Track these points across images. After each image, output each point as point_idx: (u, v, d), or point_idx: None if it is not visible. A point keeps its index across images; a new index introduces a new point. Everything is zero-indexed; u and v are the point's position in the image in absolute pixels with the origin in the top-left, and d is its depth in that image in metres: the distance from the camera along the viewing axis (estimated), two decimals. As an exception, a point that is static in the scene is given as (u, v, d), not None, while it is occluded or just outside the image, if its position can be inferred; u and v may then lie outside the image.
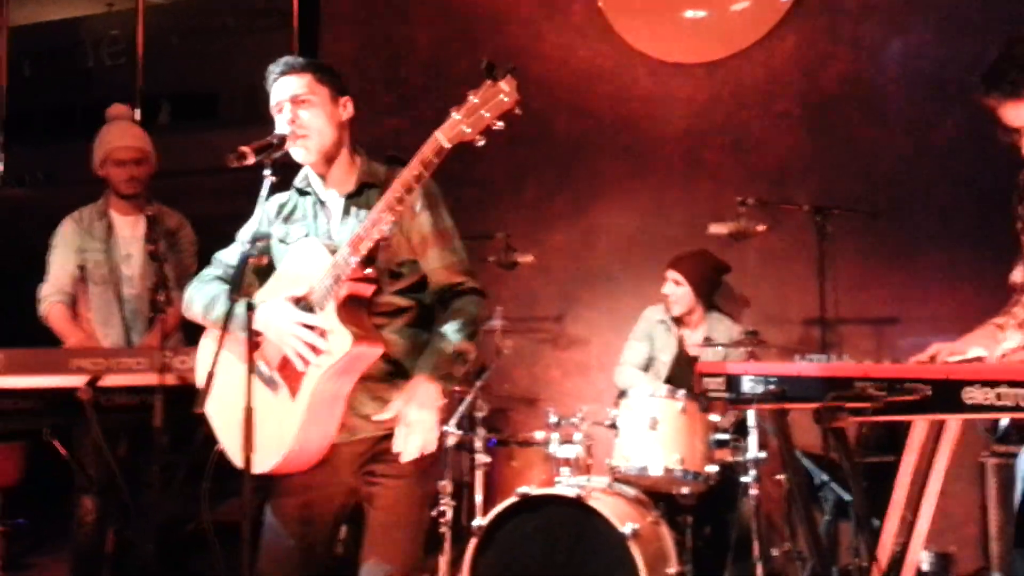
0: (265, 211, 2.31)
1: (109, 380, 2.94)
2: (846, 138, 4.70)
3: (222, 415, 2.29)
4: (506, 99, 1.99)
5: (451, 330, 2.30)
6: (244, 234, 2.47)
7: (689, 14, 4.97)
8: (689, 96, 4.95)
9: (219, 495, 4.02)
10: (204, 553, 2.91)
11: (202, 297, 2.43)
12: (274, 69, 2.36)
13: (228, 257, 2.49)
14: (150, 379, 2.89)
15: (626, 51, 5.03)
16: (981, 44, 4.45)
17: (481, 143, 2.04)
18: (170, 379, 2.78)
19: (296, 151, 2.33)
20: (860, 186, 4.58)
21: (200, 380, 2.46)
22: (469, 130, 2.02)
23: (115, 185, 3.80)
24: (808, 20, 4.77)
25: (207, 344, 2.48)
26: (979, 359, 2.33)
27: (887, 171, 4.61)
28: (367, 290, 2.25)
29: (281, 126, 2.32)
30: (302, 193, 2.45)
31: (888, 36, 4.67)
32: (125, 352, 3.04)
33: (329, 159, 2.38)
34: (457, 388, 4.29)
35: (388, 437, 2.28)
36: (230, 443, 2.32)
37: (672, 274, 4.26)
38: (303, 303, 2.25)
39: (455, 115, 2.03)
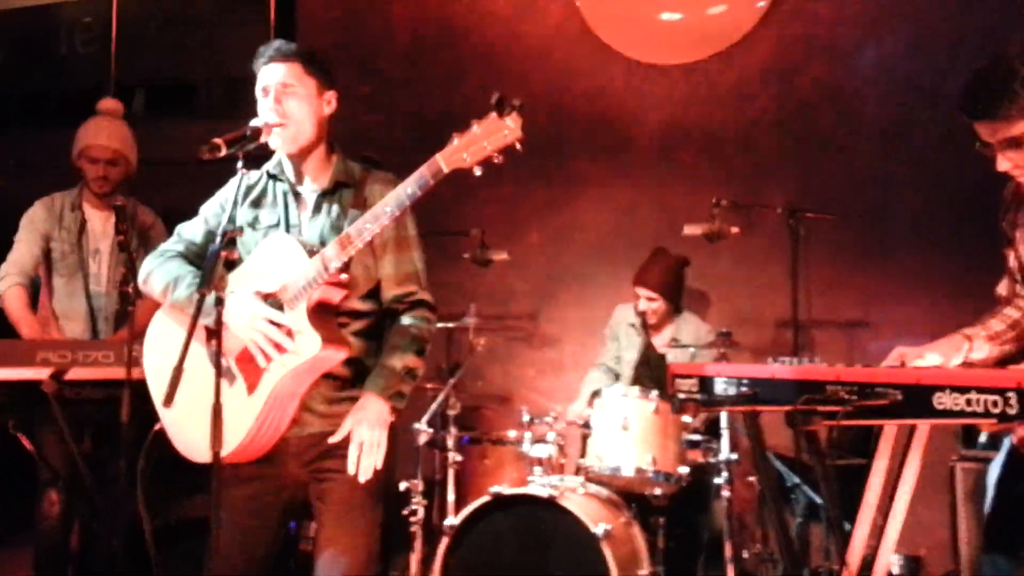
0: (233, 192, 2.29)
1: (76, 373, 2.90)
2: (820, 142, 4.74)
3: (176, 404, 2.25)
4: (509, 135, 2.03)
5: (400, 346, 2.33)
6: (207, 209, 2.48)
7: (666, 16, 4.98)
8: (665, 97, 4.97)
9: (181, 491, 3.99)
10: (170, 548, 2.89)
11: (163, 274, 2.40)
12: (264, 51, 2.36)
13: (190, 232, 2.48)
14: (117, 373, 2.84)
15: (603, 51, 5.04)
16: (953, 52, 4.51)
17: (478, 172, 2.06)
18: (137, 373, 2.73)
19: (274, 139, 2.33)
20: (834, 189, 4.62)
21: (150, 366, 2.45)
22: (468, 159, 2.05)
23: (87, 181, 3.75)
24: (784, 26, 4.81)
25: (157, 330, 2.46)
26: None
27: (861, 175, 4.65)
28: (338, 295, 2.26)
29: (263, 112, 2.32)
30: (273, 178, 2.44)
31: (862, 43, 4.72)
32: (92, 345, 2.99)
33: (306, 151, 2.38)
34: (430, 385, 4.29)
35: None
36: (183, 433, 2.32)
37: (644, 291, 4.26)
38: (271, 300, 2.24)
39: (457, 141, 2.06)
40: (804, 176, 4.71)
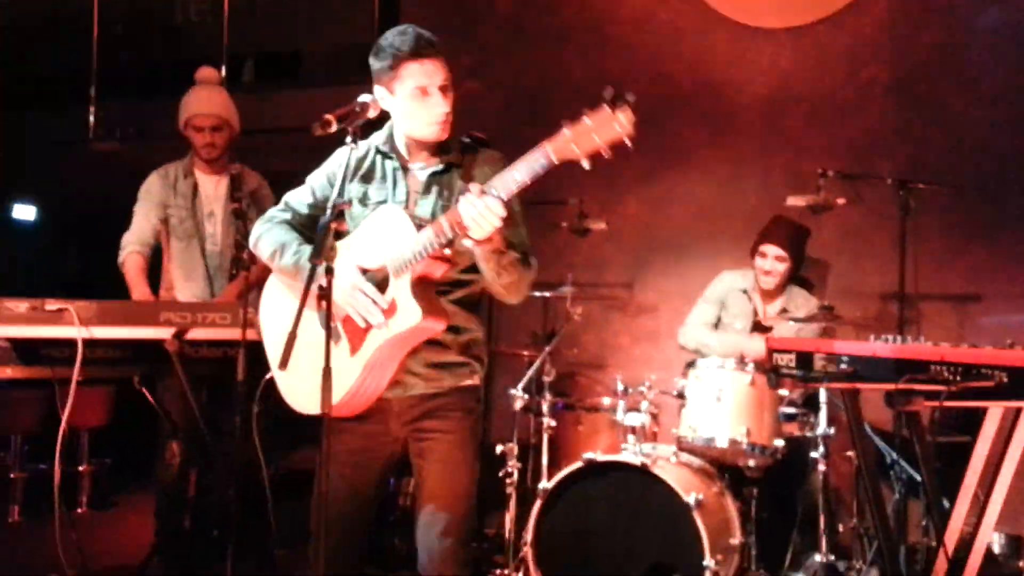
0: (340, 164, 2.36)
1: (195, 333, 3.07)
2: (934, 110, 4.55)
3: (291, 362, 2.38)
4: (620, 131, 2.00)
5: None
6: (314, 179, 2.55)
7: (775, -23, 4.84)
8: (771, 62, 4.85)
9: (288, 445, 4.18)
10: (277, 497, 3.05)
11: (271, 240, 2.51)
12: (415, 44, 2.33)
13: (297, 201, 2.56)
14: (234, 333, 3.01)
15: (708, 14, 4.94)
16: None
17: (586, 166, 2.04)
18: (252, 334, 2.88)
19: (433, 137, 2.39)
20: (947, 159, 4.45)
21: (265, 328, 2.57)
22: (578, 151, 2.04)
23: (195, 148, 3.94)
24: (900, -14, 4.61)
25: (270, 295, 2.58)
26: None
27: (977, 144, 4.46)
28: (440, 270, 2.33)
29: (415, 109, 2.36)
30: (383, 155, 2.49)
31: (982, 4, 4.49)
32: (210, 307, 3.16)
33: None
34: (526, 352, 4.36)
35: (438, 396, 2.43)
36: (292, 387, 2.45)
37: (773, 249, 4.12)
38: (372, 274, 2.34)
39: (567, 131, 2.04)
40: (916, 146, 4.54)
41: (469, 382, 2.49)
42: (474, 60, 5.25)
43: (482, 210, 2.11)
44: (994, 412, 2.47)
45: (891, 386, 2.15)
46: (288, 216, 2.56)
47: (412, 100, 2.37)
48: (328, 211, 2.17)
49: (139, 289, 3.81)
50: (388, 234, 2.33)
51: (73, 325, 2.85)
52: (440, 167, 2.45)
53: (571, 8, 5.24)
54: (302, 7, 6.13)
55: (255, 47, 6.29)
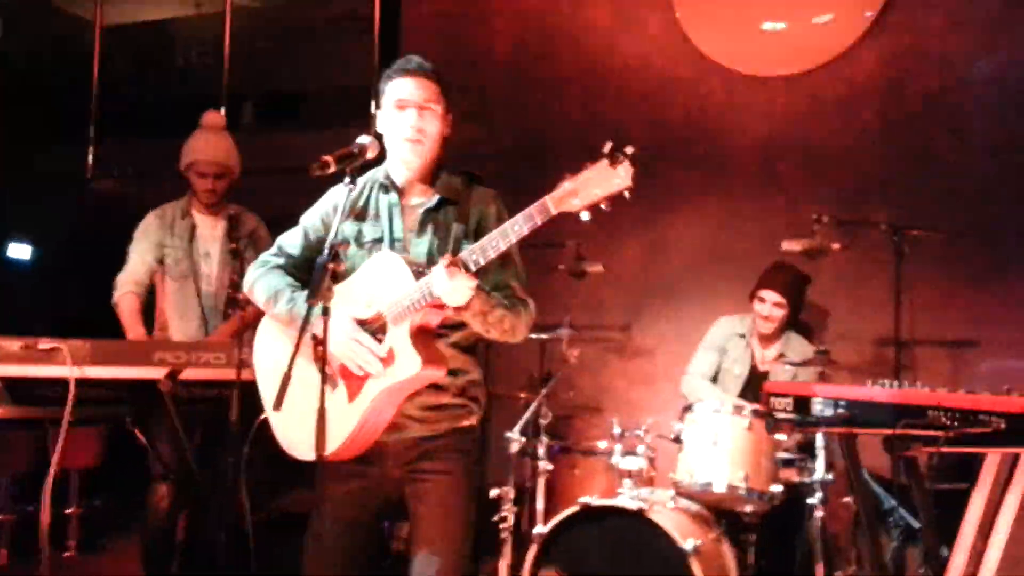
0: (336, 204, 2.38)
1: (189, 373, 3.05)
2: (928, 156, 4.60)
3: (285, 406, 2.36)
4: (619, 184, 2.04)
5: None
6: (307, 220, 2.56)
7: (768, 26, 4.92)
8: (766, 109, 4.91)
9: (283, 487, 4.13)
10: (272, 540, 3.01)
11: (265, 286, 2.51)
12: (404, 64, 2.43)
13: (289, 244, 2.56)
14: (228, 374, 2.98)
15: (702, 63, 5.01)
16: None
17: (586, 218, 2.08)
18: (247, 374, 2.86)
19: (407, 154, 2.42)
20: (940, 206, 4.48)
21: (259, 369, 2.56)
22: (578, 203, 2.08)
23: (195, 191, 3.96)
24: (892, 35, 4.68)
25: (265, 336, 2.58)
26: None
27: (969, 192, 4.50)
28: (438, 318, 2.33)
29: (392, 124, 2.41)
30: (383, 188, 2.50)
31: (974, 54, 4.56)
32: (205, 347, 3.14)
33: (423, 168, 2.47)
34: (522, 394, 4.34)
35: (435, 437, 2.41)
36: (288, 433, 2.44)
37: (772, 295, 4.18)
38: (369, 326, 2.34)
39: (568, 184, 2.09)
40: (910, 192, 4.58)
41: (466, 423, 2.47)
42: (473, 105, 5.29)
43: (452, 284, 2.16)
44: (992, 459, 2.46)
45: (888, 431, 2.14)
46: (281, 260, 2.56)
47: (391, 113, 2.43)
48: (325, 251, 2.17)
49: (134, 329, 3.81)
50: (385, 281, 2.33)
51: (66, 364, 2.83)
52: (433, 204, 2.46)
53: (568, 55, 5.31)
54: (303, 49, 6.21)
55: (255, 88, 6.36)
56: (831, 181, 4.73)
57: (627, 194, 2.05)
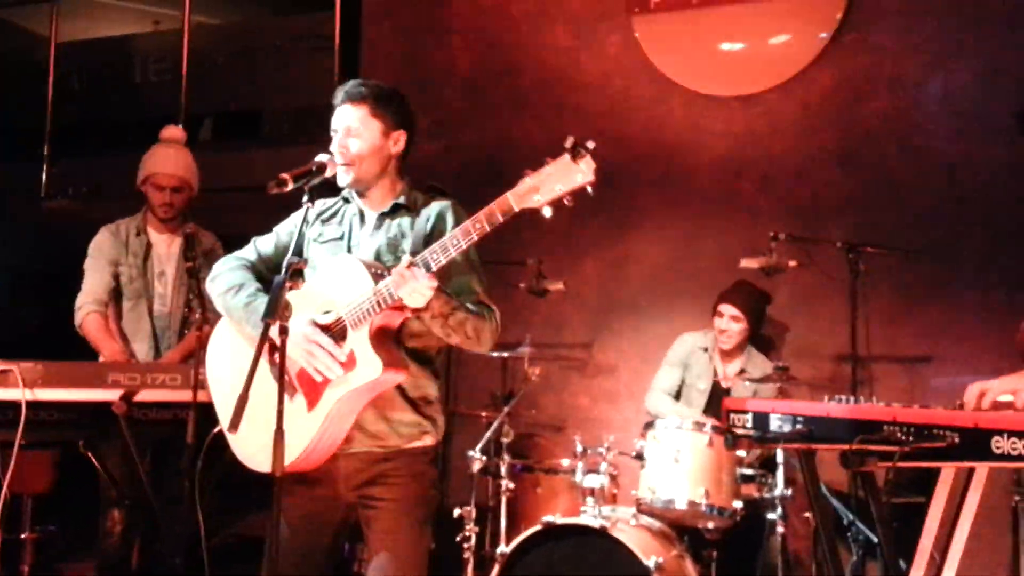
0: (299, 223, 2.38)
1: (144, 395, 2.99)
2: (883, 176, 4.67)
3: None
4: (581, 179, 2.05)
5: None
6: (282, 227, 2.58)
7: (726, 47, 4.98)
8: (724, 128, 4.96)
9: (238, 511, 4.06)
10: (226, 565, 2.96)
11: (229, 278, 2.49)
12: (339, 93, 2.47)
13: (263, 244, 2.57)
14: (184, 395, 2.94)
15: (662, 82, 5.06)
16: (1022, 86, 4.43)
17: (548, 214, 2.07)
18: (203, 396, 2.82)
19: (340, 175, 2.43)
20: (896, 225, 4.55)
21: (213, 384, 2.53)
22: (540, 198, 2.08)
23: (151, 206, 3.89)
24: (847, 56, 4.76)
25: (217, 349, 2.54)
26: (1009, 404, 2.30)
27: (924, 210, 4.57)
28: (399, 319, 2.31)
29: (331, 149, 2.43)
30: (347, 201, 2.55)
31: (928, 75, 4.65)
32: (160, 367, 3.10)
33: (367, 185, 2.48)
34: (484, 413, 4.32)
35: (385, 460, 2.38)
36: (244, 444, 2.39)
37: (729, 309, 4.23)
38: (329, 330, 2.31)
39: (529, 180, 2.09)
40: (865, 211, 4.65)
41: (419, 444, 2.43)
42: (432, 122, 5.29)
43: (412, 284, 2.15)
44: (947, 473, 2.50)
45: (845, 447, 2.16)
46: (253, 258, 2.55)
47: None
48: (283, 270, 2.15)
49: (108, 346, 3.68)
50: (344, 285, 2.31)
51: (17, 387, 2.77)
52: (388, 207, 2.48)
53: (529, 73, 5.33)
54: (262, 67, 6.16)
55: (214, 106, 6.29)
56: (788, 199, 4.79)
57: (590, 189, 2.05)
